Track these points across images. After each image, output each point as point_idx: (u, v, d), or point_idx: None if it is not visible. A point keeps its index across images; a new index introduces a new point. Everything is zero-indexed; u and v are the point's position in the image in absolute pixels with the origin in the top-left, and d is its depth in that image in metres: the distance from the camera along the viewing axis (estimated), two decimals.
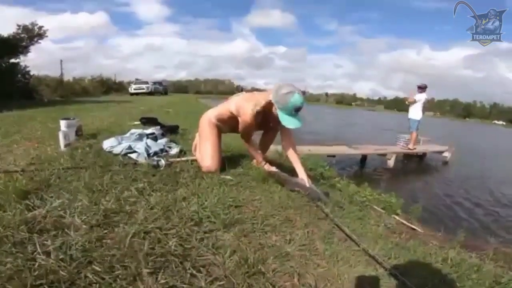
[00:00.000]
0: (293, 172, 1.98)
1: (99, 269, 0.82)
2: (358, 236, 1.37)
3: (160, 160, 1.91)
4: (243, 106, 1.86)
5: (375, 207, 2.35)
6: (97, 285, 0.77)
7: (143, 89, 20.89)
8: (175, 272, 0.87)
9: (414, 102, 6.60)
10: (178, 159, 2.07)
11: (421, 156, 7.91)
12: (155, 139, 2.55)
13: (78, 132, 2.60)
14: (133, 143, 2.23)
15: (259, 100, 1.85)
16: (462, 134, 21.92)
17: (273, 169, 2.01)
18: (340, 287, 0.99)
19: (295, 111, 1.75)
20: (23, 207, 1.10)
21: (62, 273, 0.78)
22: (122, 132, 2.80)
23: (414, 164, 7.77)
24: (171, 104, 10.35)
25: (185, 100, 17.57)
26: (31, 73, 12.15)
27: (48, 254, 0.85)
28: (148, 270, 0.85)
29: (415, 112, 6.65)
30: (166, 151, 2.30)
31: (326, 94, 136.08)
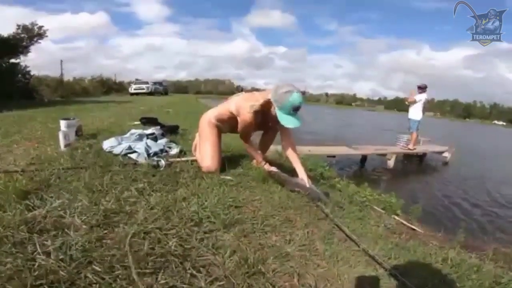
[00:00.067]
0: (293, 172, 1.98)
1: (99, 269, 0.82)
2: (358, 237, 1.37)
3: (160, 160, 1.91)
4: (243, 106, 1.86)
5: (375, 207, 2.35)
6: (97, 285, 0.77)
7: (143, 89, 20.89)
8: (175, 272, 0.87)
9: (414, 102, 6.60)
10: (178, 159, 2.07)
11: (421, 157, 7.91)
12: (155, 139, 2.55)
13: (78, 132, 2.60)
14: (133, 143, 2.23)
15: (258, 99, 1.86)
16: (462, 135, 21.93)
17: (273, 169, 2.01)
18: (340, 287, 0.99)
19: (294, 111, 1.75)
20: (23, 207, 1.10)
21: (62, 273, 0.78)
22: (122, 132, 2.80)
23: (414, 165, 7.76)
24: (171, 104, 10.35)
25: (185, 100, 17.57)
26: (31, 73, 12.15)
27: (48, 254, 0.85)
28: (148, 270, 0.85)
29: (415, 113, 6.65)
30: (166, 151, 2.30)
31: (326, 94, 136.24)
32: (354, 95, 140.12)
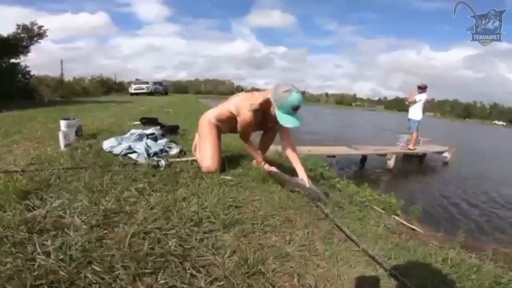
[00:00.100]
0: (293, 172, 1.98)
1: (99, 269, 0.82)
2: (358, 237, 1.37)
3: (160, 160, 1.91)
4: (242, 105, 1.86)
5: (375, 207, 2.35)
6: (97, 285, 0.77)
7: (143, 89, 20.89)
8: (174, 273, 0.87)
9: (414, 102, 6.60)
10: (178, 159, 2.07)
11: (421, 157, 7.91)
12: (155, 139, 2.55)
13: (78, 132, 2.60)
14: (133, 143, 2.23)
15: (258, 98, 1.86)
16: (462, 135, 21.92)
17: (273, 169, 2.01)
18: (340, 287, 0.99)
19: (293, 110, 1.75)
20: (23, 207, 1.10)
21: (62, 273, 0.78)
22: (122, 132, 2.80)
23: (414, 165, 7.76)
24: (171, 104, 10.35)
25: (185, 100, 17.57)
26: (31, 73, 12.14)
27: (47, 254, 0.85)
28: (147, 270, 0.85)
29: (415, 113, 6.65)
30: (166, 151, 2.30)
31: (326, 95, 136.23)
32: (354, 95, 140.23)
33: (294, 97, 1.72)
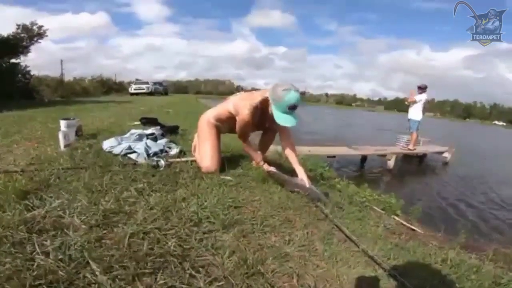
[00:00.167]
0: (292, 173, 1.98)
1: (98, 269, 0.82)
2: (358, 237, 1.37)
3: (159, 160, 1.91)
4: (241, 105, 1.86)
5: (375, 207, 2.35)
6: (96, 285, 0.77)
7: (143, 89, 20.90)
8: (174, 273, 0.87)
9: (414, 102, 6.61)
10: (178, 160, 2.07)
11: (421, 157, 7.90)
12: (155, 139, 2.55)
13: (78, 132, 2.60)
14: (133, 144, 2.23)
15: (257, 97, 1.86)
16: (462, 135, 21.92)
17: (272, 169, 2.01)
18: None
19: (290, 109, 1.74)
20: (22, 207, 1.10)
21: (61, 273, 0.78)
22: (122, 132, 2.80)
23: (414, 165, 7.76)
24: (171, 104, 10.35)
25: (185, 100, 17.57)
26: (32, 73, 12.13)
27: (47, 254, 0.85)
28: (147, 271, 0.85)
29: (415, 113, 6.65)
30: (166, 151, 2.30)
31: (326, 95, 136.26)
32: (354, 95, 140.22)
33: (291, 96, 1.71)
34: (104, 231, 1.02)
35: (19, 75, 11.22)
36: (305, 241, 1.23)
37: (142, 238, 1.01)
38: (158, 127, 3.21)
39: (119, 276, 0.81)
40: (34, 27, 11.14)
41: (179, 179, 1.70)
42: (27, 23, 11.04)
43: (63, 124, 2.48)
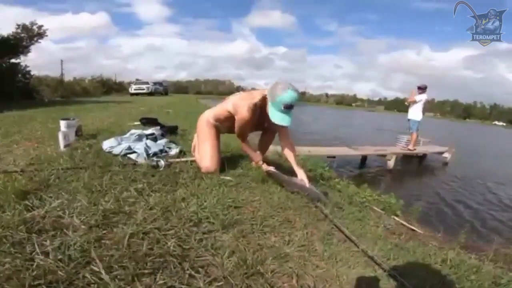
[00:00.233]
0: (292, 173, 1.98)
1: (97, 270, 0.82)
2: (357, 237, 1.37)
3: (159, 160, 1.91)
4: (240, 104, 1.86)
5: (375, 208, 2.35)
6: (95, 285, 0.77)
7: (144, 89, 20.88)
8: (173, 273, 0.87)
9: (414, 102, 6.62)
10: (178, 160, 2.07)
11: (421, 157, 7.90)
12: (154, 139, 2.55)
13: (78, 133, 2.61)
14: (132, 144, 2.23)
15: (256, 96, 1.86)
16: (462, 135, 21.91)
17: (271, 168, 2.00)
18: None
19: (285, 108, 1.73)
20: (22, 207, 1.10)
21: (61, 273, 0.78)
22: (122, 132, 2.80)
23: (414, 165, 7.76)
24: (171, 104, 10.36)
25: (185, 100, 17.57)
26: (32, 73, 12.13)
27: (46, 254, 0.85)
28: (146, 271, 0.85)
29: (415, 113, 6.66)
30: (166, 151, 2.30)
31: (326, 95, 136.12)
32: (354, 95, 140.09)
33: (287, 95, 1.70)
34: (104, 231, 1.02)
35: (19, 75, 11.22)
36: (305, 241, 1.23)
37: (142, 238, 1.01)
38: (158, 127, 3.21)
39: (118, 276, 0.81)
40: (34, 27, 11.14)
41: (179, 179, 1.70)
42: (27, 23, 11.05)
43: (63, 124, 2.48)
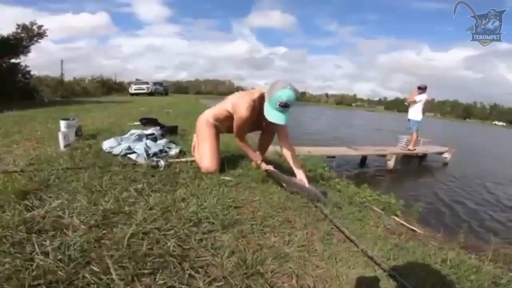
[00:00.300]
0: (292, 173, 1.98)
1: (97, 270, 0.82)
2: (357, 237, 1.37)
3: (159, 160, 1.91)
4: (238, 103, 1.85)
5: (375, 208, 2.35)
6: (95, 285, 0.77)
7: (144, 89, 20.87)
8: (173, 273, 0.87)
9: (415, 102, 6.63)
10: (178, 160, 2.07)
11: (421, 157, 7.90)
12: (154, 139, 2.55)
13: (78, 133, 2.61)
14: (132, 144, 2.23)
15: (254, 93, 1.86)
16: (462, 135, 21.91)
17: (270, 167, 1.99)
18: None
19: (281, 106, 1.71)
20: (22, 207, 1.10)
21: (60, 273, 0.78)
22: (122, 132, 2.80)
23: (414, 165, 7.75)
24: (171, 104, 10.36)
25: (186, 100, 17.57)
26: (32, 73, 12.15)
27: (46, 254, 0.85)
28: (146, 271, 0.85)
29: (415, 113, 6.67)
30: (166, 151, 2.30)
31: (326, 95, 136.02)
32: (354, 95, 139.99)
33: (283, 93, 1.69)
34: (104, 231, 1.03)
35: (19, 75, 11.23)
36: (305, 242, 1.23)
37: (142, 238, 1.01)
38: (158, 127, 3.21)
39: (118, 277, 0.81)
40: (34, 27, 11.14)
41: (179, 179, 1.70)
42: (27, 23, 11.05)
43: (63, 124, 2.48)
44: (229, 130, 2.05)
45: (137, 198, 1.35)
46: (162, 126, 3.40)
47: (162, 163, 1.89)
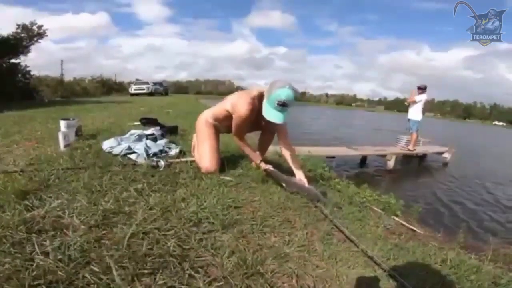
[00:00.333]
0: (292, 174, 1.98)
1: (97, 270, 0.82)
2: (357, 237, 1.37)
3: (159, 160, 1.91)
4: (238, 102, 1.85)
5: (375, 208, 2.35)
6: (95, 285, 0.77)
7: (144, 89, 20.86)
8: (173, 273, 0.87)
9: (414, 102, 6.63)
10: (178, 160, 2.07)
11: (421, 157, 7.90)
12: (154, 139, 2.55)
13: (78, 133, 2.61)
14: (132, 144, 2.23)
15: (253, 91, 1.86)
16: (462, 135, 21.91)
17: (269, 167, 1.99)
18: None
19: (280, 105, 1.70)
20: (22, 207, 1.10)
21: (60, 273, 0.78)
22: (122, 132, 2.80)
23: (414, 165, 7.75)
24: (171, 104, 10.36)
25: (186, 100, 17.56)
26: (32, 73, 12.14)
27: (46, 254, 0.85)
28: (146, 271, 0.85)
29: (415, 113, 6.67)
30: (166, 151, 2.30)
31: (326, 95, 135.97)
32: (354, 95, 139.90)
33: (282, 92, 1.69)
34: (104, 232, 1.03)
35: (19, 75, 11.23)
36: (305, 242, 1.23)
37: (142, 238, 1.01)
38: (158, 127, 3.21)
39: (118, 277, 0.81)
40: (34, 27, 11.13)
41: (179, 180, 1.70)
42: (27, 23, 11.05)
43: (63, 124, 2.48)
44: (229, 130, 2.05)
45: (137, 198, 1.35)
46: (162, 126, 3.40)
47: (162, 163, 1.89)
